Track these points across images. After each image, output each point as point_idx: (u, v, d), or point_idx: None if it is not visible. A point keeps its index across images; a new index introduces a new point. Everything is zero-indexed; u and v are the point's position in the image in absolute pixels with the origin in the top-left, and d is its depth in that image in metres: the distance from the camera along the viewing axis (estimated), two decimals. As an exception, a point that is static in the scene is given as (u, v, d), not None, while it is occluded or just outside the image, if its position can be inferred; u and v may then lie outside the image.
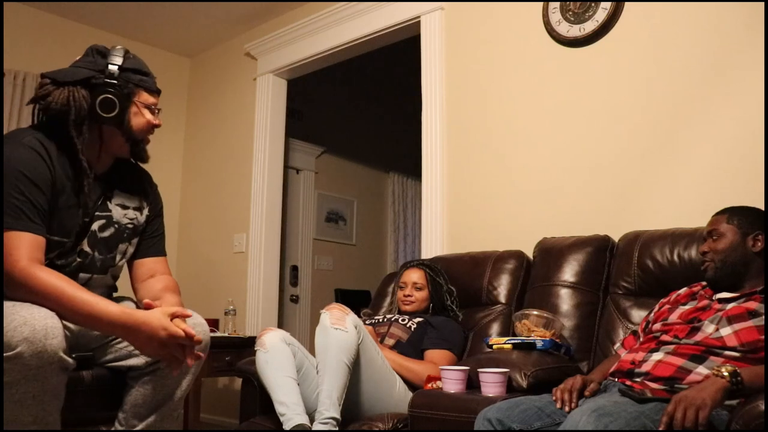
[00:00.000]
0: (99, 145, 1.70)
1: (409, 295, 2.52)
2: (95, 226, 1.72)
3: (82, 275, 1.70)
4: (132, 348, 1.69)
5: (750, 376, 1.39)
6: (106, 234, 1.75)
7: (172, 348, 1.52)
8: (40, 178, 1.56)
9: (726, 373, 1.37)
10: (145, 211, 1.86)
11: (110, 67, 1.64)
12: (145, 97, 1.71)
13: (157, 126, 1.77)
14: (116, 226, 1.77)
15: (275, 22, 4.15)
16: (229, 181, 4.31)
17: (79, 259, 1.69)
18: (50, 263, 1.59)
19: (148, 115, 1.73)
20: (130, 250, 1.83)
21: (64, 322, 1.53)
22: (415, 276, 2.56)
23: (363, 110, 5.40)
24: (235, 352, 3.31)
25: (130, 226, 1.80)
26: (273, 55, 4.10)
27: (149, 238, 1.87)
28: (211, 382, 4.06)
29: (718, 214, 1.80)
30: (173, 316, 1.54)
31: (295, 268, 4.78)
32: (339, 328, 1.98)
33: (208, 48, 4.66)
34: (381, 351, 2.18)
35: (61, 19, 4.15)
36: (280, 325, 4.36)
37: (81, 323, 1.56)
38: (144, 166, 1.89)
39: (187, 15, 4.15)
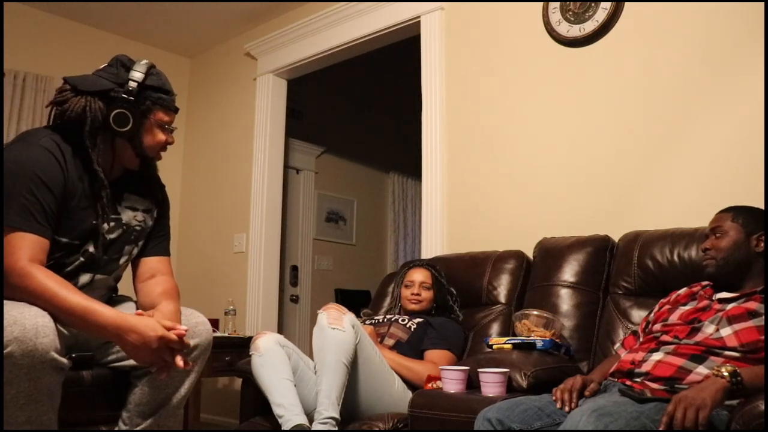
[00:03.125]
0: (112, 156, 1.71)
1: (417, 294, 2.51)
2: (104, 228, 1.72)
3: (84, 275, 1.69)
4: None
5: (750, 376, 1.39)
6: (113, 236, 1.75)
7: (163, 353, 1.52)
8: (52, 180, 1.56)
9: (726, 373, 1.37)
10: (153, 213, 1.87)
11: (130, 82, 1.64)
12: (161, 116, 1.71)
13: (170, 143, 1.78)
14: (124, 228, 1.77)
15: (275, 22, 4.15)
16: (229, 181, 4.31)
17: (82, 259, 1.68)
18: (56, 262, 1.59)
19: (161, 135, 1.73)
20: (135, 251, 1.84)
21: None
22: (422, 276, 2.55)
23: (363, 110, 5.40)
24: (235, 352, 3.31)
25: (138, 228, 1.81)
26: (273, 55, 4.10)
27: (154, 238, 1.88)
28: (211, 382, 4.06)
29: (722, 211, 1.79)
30: (168, 330, 1.54)
31: (295, 268, 4.78)
32: (336, 327, 1.98)
33: (208, 48, 4.66)
34: (380, 351, 2.19)
35: (61, 19, 4.15)
36: (280, 326, 4.36)
37: (74, 326, 1.55)
38: None
39: (187, 15, 4.15)
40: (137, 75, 1.66)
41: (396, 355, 2.26)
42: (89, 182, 1.66)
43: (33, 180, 1.53)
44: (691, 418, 1.29)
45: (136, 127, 1.66)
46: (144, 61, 1.70)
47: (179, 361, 1.55)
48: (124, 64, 1.69)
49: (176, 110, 1.77)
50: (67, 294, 1.48)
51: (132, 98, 1.64)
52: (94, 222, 1.68)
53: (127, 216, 1.78)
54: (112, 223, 1.74)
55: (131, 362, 1.69)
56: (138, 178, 1.81)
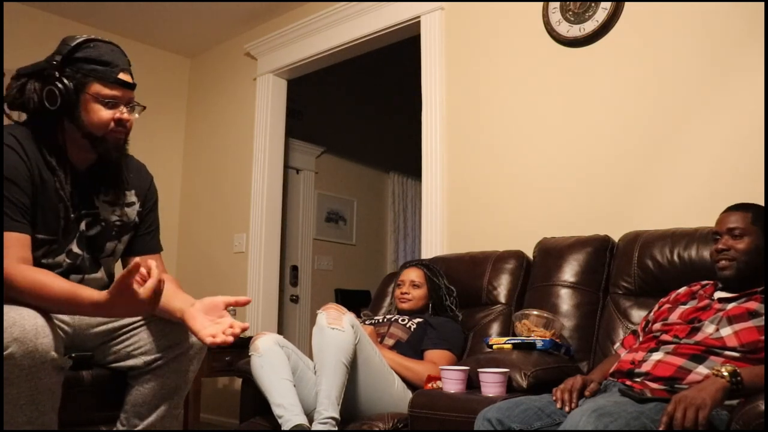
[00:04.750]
0: (63, 139, 1.62)
1: (406, 293, 2.53)
2: (83, 225, 1.68)
3: (73, 276, 1.67)
4: (131, 348, 1.68)
5: (750, 376, 1.39)
6: (92, 232, 1.71)
7: (147, 294, 1.41)
8: (17, 176, 1.52)
9: (726, 373, 1.37)
10: (136, 207, 1.80)
11: (56, 57, 1.57)
12: (98, 89, 1.57)
13: (123, 121, 1.61)
14: (103, 224, 1.72)
15: (275, 22, 4.15)
16: (229, 181, 4.31)
17: (68, 260, 1.66)
18: (38, 264, 1.56)
19: (102, 112, 1.58)
20: (120, 247, 1.78)
21: (59, 322, 1.52)
22: (413, 275, 2.56)
23: (363, 110, 5.40)
24: (235, 352, 3.31)
25: (118, 223, 1.75)
26: (273, 55, 4.10)
27: (143, 235, 1.82)
28: (211, 382, 4.06)
29: (738, 210, 1.71)
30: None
31: (295, 268, 4.78)
32: (336, 327, 1.99)
33: (208, 48, 4.66)
34: (380, 351, 2.19)
35: (61, 19, 4.15)
36: (280, 326, 4.36)
37: (67, 311, 1.54)
38: (144, 163, 1.88)
39: (187, 15, 4.15)
40: (64, 48, 1.56)
41: (396, 355, 2.26)
42: (57, 175, 1.60)
43: None
44: (691, 418, 1.29)
45: (69, 103, 1.55)
46: (82, 36, 1.61)
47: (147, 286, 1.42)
48: (63, 41, 1.60)
49: (122, 83, 1.59)
50: (52, 282, 1.46)
51: (56, 72, 1.55)
52: (71, 215, 1.63)
53: (105, 211, 1.71)
54: (89, 219, 1.69)
55: (129, 362, 1.69)
56: (112, 166, 1.70)
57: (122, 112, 1.61)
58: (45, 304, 1.46)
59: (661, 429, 1.32)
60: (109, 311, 1.48)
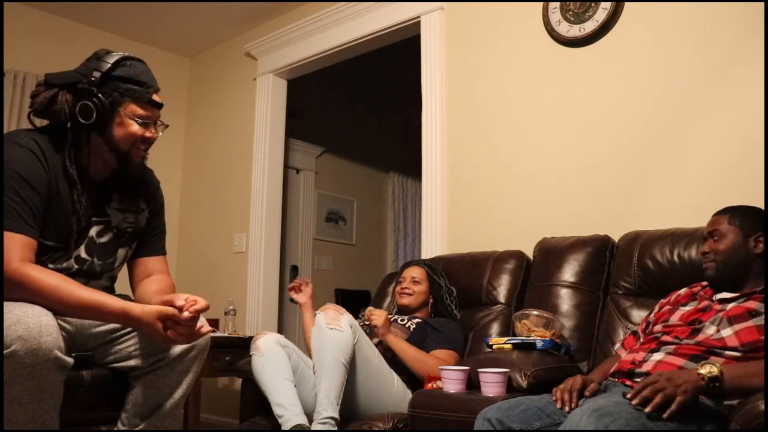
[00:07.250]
0: (88, 152, 1.66)
1: (406, 288, 2.53)
2: (93, 231, 1.70)
3: (78, 279, 1.66)
4: (132, 349, 1.69)
5: (732, 379, 1.39)
6: (104, 239, 1.73)
7: (174, 328, 1.54)
8: (35, 179, 1.54)
9: (705, 374, 1.39)
10: (145, 213, 1.84)
11: (95, 73, 1.60)
12: (133, 108, 1.64)
13: (149, 139, 1.69)
14: (115, 230, 1.75)
15: (275, 22, 4.15)
16: (229, 181, 4.31)
17: (76, 266, 1.67)
18: (52, 269, 1.58)
19: (134, 127, 1.65)
20: (129, 253, 1.82)
21: (61, 321, 1.52)
22: (414, 272, 2.57)
23: (363, 110, 5.40)
24: (235, 352, 3.31)
25: (129, 230, 1.78)
26: (273, 55, 4.10)
27: (149, 237, 1.86)
28: (211, 382, 4.06)
29: (718, 213, 1.79)
30: (163, 317, 1.53)
31: (295, 268, 4.78)
32: (334, 327, 1.99)
33: (208, 48, 4.66)
34: (393, 340, 2.19)
35: (61, 19, 4.15)
36: (280, 326, 4.36)
37: (82, 317, 1.56)
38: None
39: (187, 15, 4.15)
40: (103, 65, 1.61)
41: (410, 347, 2.25)
42: (75, 186, 1.63)
43: (16, 180, 1.51)
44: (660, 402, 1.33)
45: (103, 119, 1.60)
46: (117, 53, 1.65)
47: (187, 330, 1.55)
48: (98, 56, 1.64)
49: (154, 104, 1.68)
50: (70, 288, 1.49)
51: (94, 89, 1.59)
52: (84, 225, 1.66)
53: (116, 218, 1.75)
54: (101, 226, 1.72)
55: (130, 362, 1.70)
56: (127, 177, 1.75)
57: (151, 132, 1.69)
58: (60, 308, 1.47)
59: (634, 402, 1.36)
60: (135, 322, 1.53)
